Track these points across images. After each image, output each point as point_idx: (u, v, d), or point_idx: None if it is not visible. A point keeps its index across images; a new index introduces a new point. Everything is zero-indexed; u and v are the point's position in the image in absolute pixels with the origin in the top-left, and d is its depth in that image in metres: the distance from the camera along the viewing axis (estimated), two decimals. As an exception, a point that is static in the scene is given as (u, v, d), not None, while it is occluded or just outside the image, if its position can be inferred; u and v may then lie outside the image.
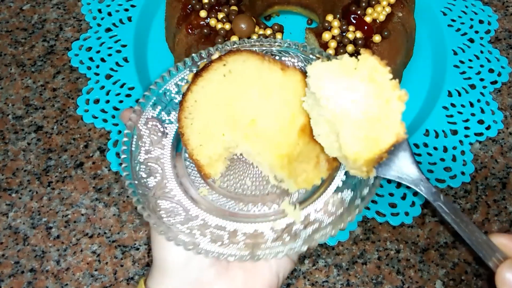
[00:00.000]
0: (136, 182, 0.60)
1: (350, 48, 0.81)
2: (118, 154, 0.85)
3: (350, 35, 0.82)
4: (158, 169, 0.63)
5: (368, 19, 0.83)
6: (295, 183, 0.61)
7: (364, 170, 0.54)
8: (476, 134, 0.89)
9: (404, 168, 0.58)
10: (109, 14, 1.01)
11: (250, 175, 0.66)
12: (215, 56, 0.64)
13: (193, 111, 0.63)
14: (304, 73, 0.62)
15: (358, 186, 0.60)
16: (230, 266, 0.60)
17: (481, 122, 0.90)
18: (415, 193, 0.82)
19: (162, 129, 0.65)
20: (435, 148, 0.87)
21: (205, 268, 0.59)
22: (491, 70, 0.96)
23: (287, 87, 0.63)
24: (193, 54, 0.68)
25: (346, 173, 0.62)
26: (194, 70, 0.67)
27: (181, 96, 0.65)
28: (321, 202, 0.61)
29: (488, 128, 0.90)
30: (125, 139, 0.62)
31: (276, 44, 0.69)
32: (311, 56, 0.67)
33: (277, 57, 0.68)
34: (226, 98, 0.63)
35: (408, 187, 0.83)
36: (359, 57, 0.54)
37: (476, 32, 1.01)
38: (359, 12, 0.84)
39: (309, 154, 0.61)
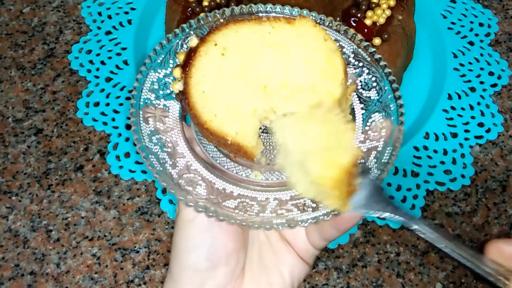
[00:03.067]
0: (152, 157, 0.56)
1: (350, 51, 0.81)
2: (118, 157, 0.86)
3: (350, 38, 0.82)
4: (169, 141, 0.59)
5: (368, 22, 0.83)
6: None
7: (338, 198, 0.53)
8: (476, 137, 0.89)
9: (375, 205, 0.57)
10: (109, 17, 1.01)
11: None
12: (194, 41, 0.59)
13: (202, 99, 0.57)
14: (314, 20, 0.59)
15: None
16: (243, 282, 0.58)
17: (481, 125, 0.90)
18: (415, 196, 0.82)
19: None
20: (435, 151, 0.87)
21: (221, 286, 0.57)
22: (491, 73, 0.96)
23: (303, 37, 0.59)
24: (165, 41, 0.62)
25: None
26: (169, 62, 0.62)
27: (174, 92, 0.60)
28: None
29: (488, 131, 0.90)
30: (132, 112, 0.58)
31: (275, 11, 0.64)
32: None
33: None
34: (235, 75, 0.58)
35: (408, 189, 0.83)
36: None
37: (476, 35, 1.01)
38: (359, 15, 0.84)
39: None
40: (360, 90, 0.61)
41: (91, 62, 0.95)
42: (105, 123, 0.89)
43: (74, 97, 0.93)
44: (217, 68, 0.58)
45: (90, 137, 0.89)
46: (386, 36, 0.83)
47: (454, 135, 0.89)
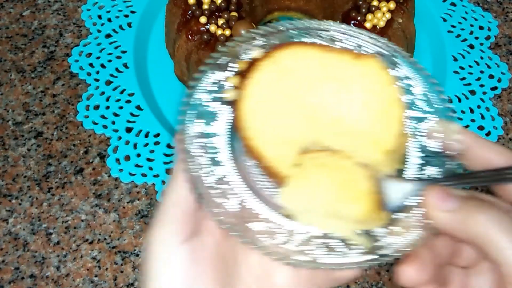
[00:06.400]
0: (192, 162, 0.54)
1: (350, 54, 0.81)
2: (118, 160, 0.86)
3: (350, 41, 0.82)
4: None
5: (368, 25, 0.83)
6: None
7: (374, 219, 0.52)
8: (476, 140, 0.89)
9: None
10: (109, 20, 1.01)
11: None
12: (257, 52, 0.58)
13: (253, 118, 0.55)
14: (379, 60, 0.56)
15: None
16: None
17: (481, 128, 0.90)
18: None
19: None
20: (435, 154, 0.87)
21: None
22: (491, 76, 0.96)
23: (367, 77, 0.56)
24: (215, 55, 0.60)
25: None
26: (224, 72, 0.60)
27: (222, 103, 0.58)
28: None
29: (488, 134, 0.90)
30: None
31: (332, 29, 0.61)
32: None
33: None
34: (290, 98, 0.56)
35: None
36: None
37: (476, 38, 1.01)
38: (359, 18, 0.84)
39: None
40: (419, 138, 0.58)
41: (91, 65, 0.95)
42: (105, 126, 0.89)
43: (74, 100, 0.93)
44: (273, 87, 0.56)
45: (90, 140, 0.89)
46: (386, 39, 0.82)
47: (455, 138, 0.89)
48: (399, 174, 0.55)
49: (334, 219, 0.52)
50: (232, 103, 0.56)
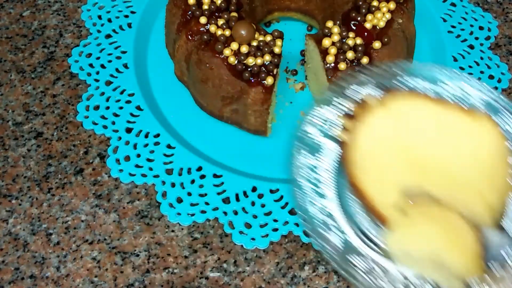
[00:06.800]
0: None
1: (350, 54, 0.81)
2: (118, 160, 0.86)
3: (350, 42, 0.82)
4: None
5: (368, 25, 0.83)
6: None
7: (472, 268, 0.54)
8: (476, 140, 0.89)
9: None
10: (109, 20, 1.01)
11: None
12: (370, 96, 0.61)
13: (362, 159, 0.58)
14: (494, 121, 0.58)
15: None
16: None
17: (481, 128, 0.90)
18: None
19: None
20: (435, 155, 0.87)
21: None
22: (491, 77, 0.96)
23: (477, 133, 0.58)
24: (332, 94, 0.63)
25: None
26: (334, 110, 0.63)
27: (329, 140, 0.62)
28: None
29: (488, 134, 0.90)
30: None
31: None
32: None
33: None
34: (398, 144, 0.58)
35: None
36: None
37: (476, 38, 1.01)
38: (359, 18, 0.84)
39: None
40: None
41: (91, 65, 0.95)
42: (105, 127, 0.89)
43: (74, 101, 0.93)
44: (382, 131, 0.59)
45: (90, 141, 0.89)
46: (386, 39, 0.83)
47: (454, 139, 0.89)
48: (499, 226, 0.56)
49: (433, 265, 0.54)
50: (341, 141, 0.59)
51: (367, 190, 0.57)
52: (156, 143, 0.87)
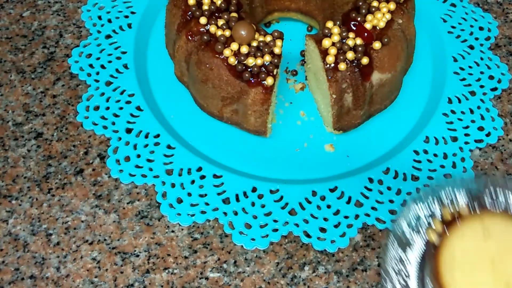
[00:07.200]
0: None
1: (350, 55, 0.81)
2: (118, 161, 0.86)
3: (350, 42, 0.82)
4: None
5: (368, 26, 0.83)
6: None
7: None
8: (476, 141, 0.89)
9: None
10: (109, 21, 1.01)
11: None
12: (463, 205, 0.65)
13: (448, 260, 0.62)
14: None
15: None
16: None
17: (481, 129, 0.90)
18: (416, 200, 0.83)
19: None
20: (435, 155, 0.87)
21: None
22: (491, 77, 0.96)
23: None
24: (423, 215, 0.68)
25: None
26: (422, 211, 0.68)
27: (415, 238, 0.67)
28: None
29: (488, 135, 0.90)
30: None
31: None
32: None
33: None
34: (486, 259, 0.62)
35: (408, 193, 0.83)
36: None
37: (476, 38, 1.01)
38: (359, 19, 0.84)
39: None
40: None
41: (91, 66, 0.95)
42: (105, 127, 0.89)
43: (74, 101, 0.93)
44: (473, 244, 0.62)
45: (90, 141, 0.89)
46: (386, 40, 0.83)
47: (454, 139, 0.89)
48: None
49: None
50: (430, 243, 0.64)
51: None
52: (156, 144, 0.87)
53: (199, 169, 0.85)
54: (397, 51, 0.85)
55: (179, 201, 0.82)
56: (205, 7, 0.84)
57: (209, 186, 0.83)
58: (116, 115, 0.90)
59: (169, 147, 0.87)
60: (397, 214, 0.81)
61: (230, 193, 0.83)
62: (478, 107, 0.92)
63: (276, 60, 0.81)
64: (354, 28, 0.83)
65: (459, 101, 0.93)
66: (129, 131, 0.88)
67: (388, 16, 0.84)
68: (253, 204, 0.82)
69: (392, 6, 0.85)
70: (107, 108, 0.90)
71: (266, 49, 0.81)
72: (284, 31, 0.86)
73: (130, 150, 0.86)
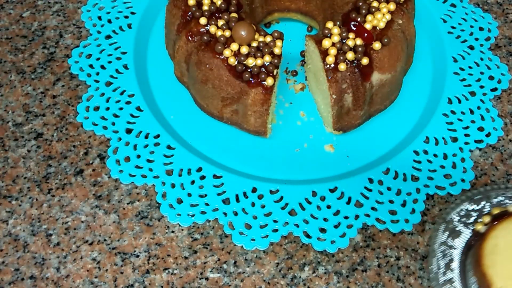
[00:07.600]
0: None
1: (350, 55, 0.81)
2: (118, 161, 0.86)
3: (350, 42, 0.82)
4: None
5: (368, 26, 0.83)
6: None
7: None
8: (476, 141, 0.89)
9: None
10: (109, 21, 1.01)
11: None
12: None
13: (491, 249, 0.68)
14: None
15: None
16: None
17: (481, 129, 0.90)
18: (415, 200, 0.82)
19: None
20: (435, 155, 0.87)
21: None
22: (491, 77, 0.96)
23: None
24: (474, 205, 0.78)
25: None
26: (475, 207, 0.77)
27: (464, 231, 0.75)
28: None
29: (488, 135, 0.90)
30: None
31: None
32: None
33: None
34: None
35: (408, 194, 0.83)
36: None
37: (476, 39, 1.01)
38: (359, 19, 0.84)
39: None
40: None
41: (91, 66, 0.95)
42: (105, 127, 0.89)
43: (74, 101, 0.93)
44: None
45: (90, 141, 0.89)
46: (386, 40, 0.82)
47: (454, 139, 0.89)
48: None
49: None
50: (477, 232, 0.72)
51: (492, 279, 0.66)
52: (156, 144, 0.87)
53: (199, 169, 0.85)
54: (397, 52, 0.85)
55: (179, 201, 0.82)
56: (205, 7, 0.84)
57: (209, 186, 0.83)
58: (116, 116, 0.90)
59: (169, 147, 0.87)
60: (397, 215, 0.81)
61: (230, 193, 0.83)
62: (478, 108, 0.92)
63: (276, 61, 0.81)
64: (354, 29, 0.83)
65: (459, 101, 0.93)
66: (129, 131, 0.88)
67: (388, 16, 0.84)
68: (253, 204, 0.82)
69: (392, 6, 0.85)
70: (107, 109, 0.90)
71: (266, 50, 0.81)
72: (284, 32, 0.86)
73: (130, 150, 0.86)
